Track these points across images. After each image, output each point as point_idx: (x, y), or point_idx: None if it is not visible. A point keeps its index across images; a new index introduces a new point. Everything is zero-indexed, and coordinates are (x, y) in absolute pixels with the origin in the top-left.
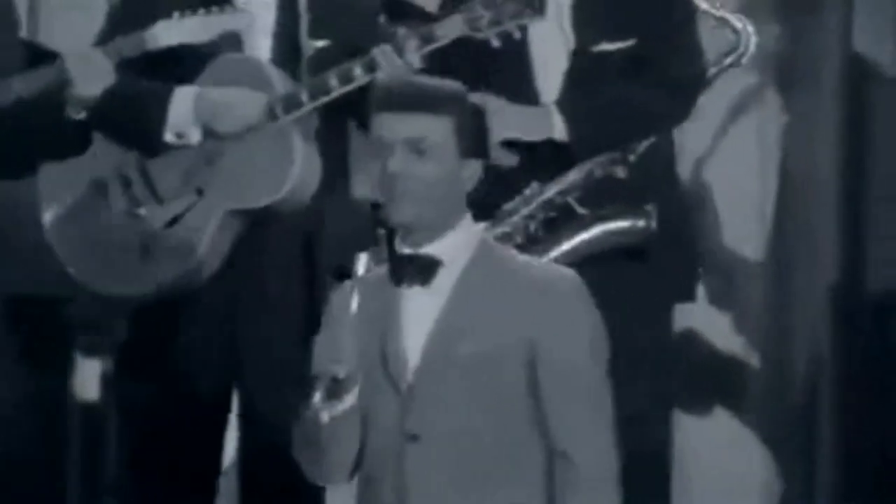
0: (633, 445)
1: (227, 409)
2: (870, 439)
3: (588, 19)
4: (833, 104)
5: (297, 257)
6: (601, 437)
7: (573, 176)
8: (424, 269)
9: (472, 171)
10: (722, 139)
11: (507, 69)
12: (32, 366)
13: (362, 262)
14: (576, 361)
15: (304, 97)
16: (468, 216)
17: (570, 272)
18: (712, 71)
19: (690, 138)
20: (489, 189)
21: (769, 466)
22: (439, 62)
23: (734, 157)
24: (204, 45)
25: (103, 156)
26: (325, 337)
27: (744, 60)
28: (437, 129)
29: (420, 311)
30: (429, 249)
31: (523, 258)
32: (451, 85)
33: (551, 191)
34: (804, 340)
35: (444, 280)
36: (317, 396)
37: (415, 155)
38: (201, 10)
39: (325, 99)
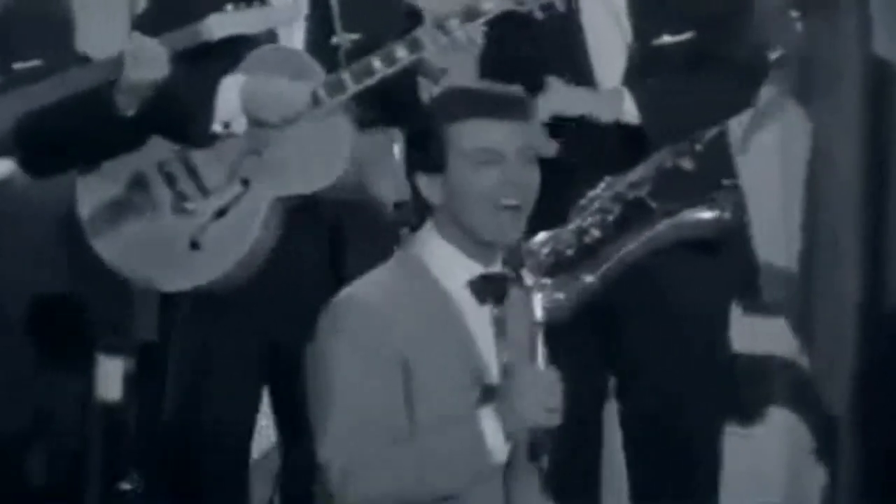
0: (686, 455)
1: (256, 410)
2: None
3: (645, 13)
4: (854, 107)
5: (331, 255)
6: None
7: (644, 169)
8: (505, 290)
9: None
10: (746, 146)
11: (564, 65)
12: (54, 366)
13: (539, 306)
14: None
15: (348, 80)
16: None
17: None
18: (773, 56)
19: None
20: (563, 185)
21: (794, 470)
22: (496, 56)
23: (759, 164)
24: (242, 37)
25: (147, 153)
26: (538, 381)
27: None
28: (532, 136)
29: (515, 338)
30: (497, 268)
31: None
32: (518, 89)
33: (623, 184)
34: (829, 346)
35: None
36: (498, 437)
37: (525, 164)
38: (255, 3)
39: (369, 81)
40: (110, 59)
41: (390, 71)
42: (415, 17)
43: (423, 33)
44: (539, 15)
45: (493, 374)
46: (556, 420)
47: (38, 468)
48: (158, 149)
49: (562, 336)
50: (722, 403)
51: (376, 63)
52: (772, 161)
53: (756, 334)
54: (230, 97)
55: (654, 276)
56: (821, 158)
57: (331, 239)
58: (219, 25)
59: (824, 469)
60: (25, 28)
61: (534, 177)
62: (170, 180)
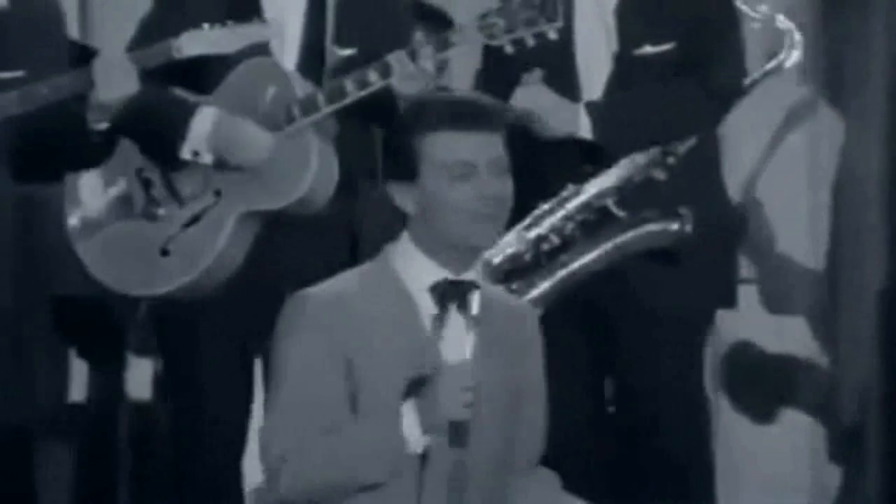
0: (674, 450)
1: (247, 417)
2: None
3: (631, 22)
4: (883, 108)
5: (319, 259)
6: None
7: (610, 178)
8: (468, 297)
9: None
10: (777, 147)
11: (550, 71)
12: (86, 366)
13: (476, 301)
14: (541, 382)
15: (321, 101)
16: None
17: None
18: (753, 77)
19: (746, 148)
20: (525, 190)
21: (820, 471)
22: (485, 64)
23: (788, 165)
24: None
25: (127, 159)
26: (456, 375)
27: (787, 65)
28: (503, 147)
29: (458, 338)
30: (470, 275)
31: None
32: (495, 100)
33: (588, 193)
34: (856, 347)
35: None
36: (416, 429)
37: (498, 175)
38: (230, 22)
39: (341, 103)
40: (80, 72)
41: (362, 94)
42: (437, 19)
43: (393, 59)
44: (509, 50)
45: None
46: (469, 414)
47: (69, 467)
48: (137, 154)
49: (554, 341)
50: (705, 405)
51: (349, 86)
52: (799, 162)
53: (778, 334)
54: (202, 130)
55: (635, 281)
56: (848, 159)
57: (326, 243)
58: (190, 44)
59: (843, 471)
60: (13, 38)
61: (506, 187)
62: (146, 186)
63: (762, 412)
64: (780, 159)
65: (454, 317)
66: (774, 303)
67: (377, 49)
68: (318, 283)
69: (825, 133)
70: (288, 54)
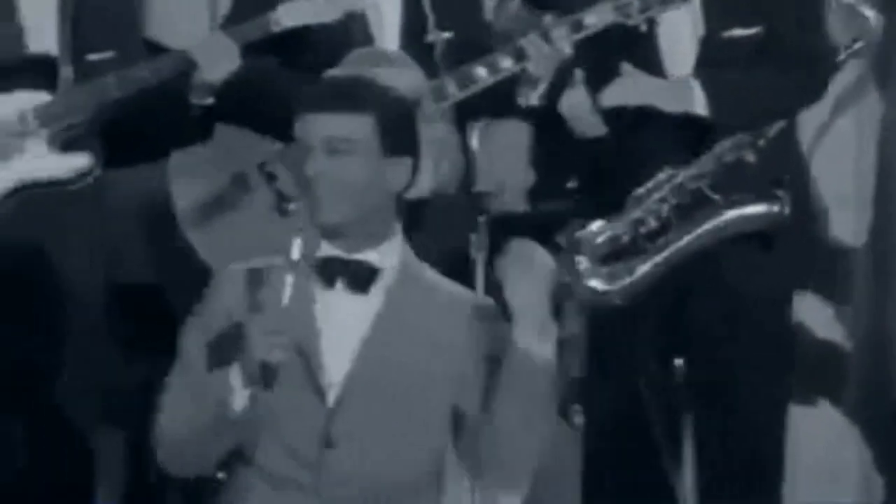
0: (751, 437)
1: None
2: None
3: (718, 5)
4: None
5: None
6: None
7: (705, 161)
8: (365, 278)
9: (401, 170)
10: (828, 131)
11: (634, 54)
12: (141, 353)
13: (297, 247)
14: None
15: (452, 87)
16: (398, 223)
17: (484, 298)
18: (842, 56)
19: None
20: (620, 173)
21: (868, 459)
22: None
23: (837, 148)
24: (329, 29)
25: (241, 147)
26: (264, 319)
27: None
28: (357, 128)
29: (347, 315)
30: (368, 257)
31: (432, 273)
32: (374, 81)
33: (684, 176)
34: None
35: (377, 287)
36: (238, 380)
37: (333, 155)
38: None
39: (473, 89)
40: (179, 53)
41: (495, 79)
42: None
43: (527, 43)
44: (644, 28)
45: (322, 354)
46: (279, 356)
47: (125, 453)
48: (258, 149)
49: (625, 319)
50: (784, 385)
51: (480, 71)
52: (848, 144)
53: (824, 319)
54: None
55: (717, 260)
56: (891, 143)
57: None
58: (288, 15)
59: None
60: (97, 19)
61: (342, 168)
62: (270, 179)
63: (802, 397)
64: (827, 142)
65: (337, 292)
66: (824, 287)
67: (472, 31)
68: None
69: (873, 116)
70: (386, 37)
